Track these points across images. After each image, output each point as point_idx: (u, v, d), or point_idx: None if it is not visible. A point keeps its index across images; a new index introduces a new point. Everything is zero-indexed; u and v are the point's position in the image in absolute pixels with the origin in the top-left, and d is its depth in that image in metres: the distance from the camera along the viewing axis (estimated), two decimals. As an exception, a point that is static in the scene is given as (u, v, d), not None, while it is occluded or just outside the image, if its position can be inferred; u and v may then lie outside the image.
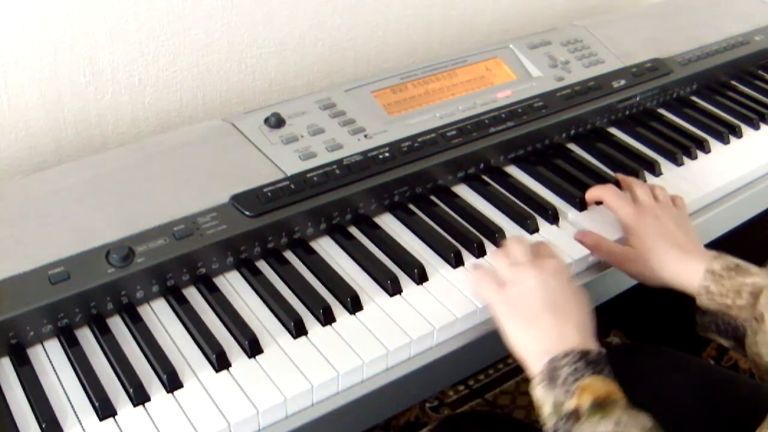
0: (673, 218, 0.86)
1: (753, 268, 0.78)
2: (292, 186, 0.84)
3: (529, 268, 0.74)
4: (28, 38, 0.90)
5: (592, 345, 0.69)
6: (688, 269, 0.79)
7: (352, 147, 0.90)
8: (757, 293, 0.75)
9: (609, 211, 0.89)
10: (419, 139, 0.93)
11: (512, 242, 0.80)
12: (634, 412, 0.63)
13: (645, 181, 1.00)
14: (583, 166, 1.01)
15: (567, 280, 0.75)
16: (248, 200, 0.81)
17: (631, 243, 0.85)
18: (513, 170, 1.00)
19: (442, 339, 0.77)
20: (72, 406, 0.66)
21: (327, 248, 0.85)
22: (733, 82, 1.26)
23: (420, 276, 0.81)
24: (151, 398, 0.67)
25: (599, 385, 0.65)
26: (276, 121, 0.91)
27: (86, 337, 0.73)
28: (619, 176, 0.97)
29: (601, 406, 0.63)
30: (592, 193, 0.92)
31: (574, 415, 0.63)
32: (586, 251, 0.86)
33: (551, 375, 0.66)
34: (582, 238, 0.87)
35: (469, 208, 0.92)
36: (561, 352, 0.67)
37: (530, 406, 1.54)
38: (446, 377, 0.82)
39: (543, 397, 0.66)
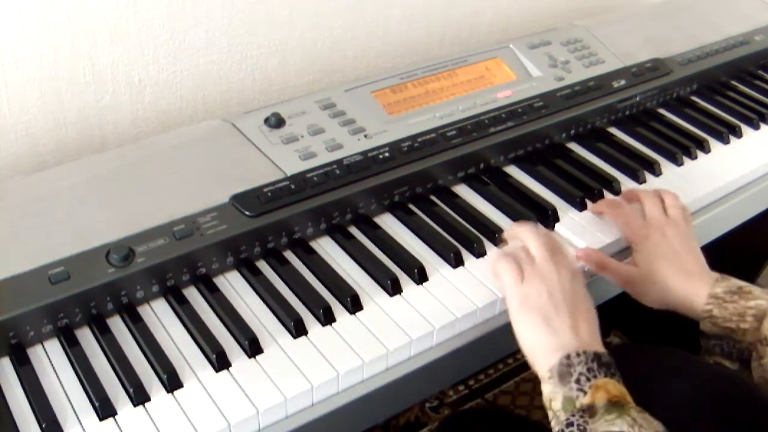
0: (680, 236, 0.83)
1: (756, 290, 0.77)
2: (292, 186, 0.84)
3: (548, 266, 0.74)
4: (28, 38, 0.90)
5: (603, 349, 0.69)
6: (692, 294, 0.78)
7: (352, 147, 0.90)
8: (761, 316, 0.74)
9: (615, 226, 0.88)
10: (419, 139, 0.93)
11: (528, 234, 0.78)
12: (648, 416, 0.63)
13: (644, 180, 1.00)
14: (583, 166, 1.01)
15: (581, 283, 0.75)
16: (248, 200, 0.81)
17: (636, 261, 0.83)
18: (513, 170, 1.00)
19: (442, 339, 0.77)
20: (72, 406, 0.66)
21: (327, 248, 0.85)
22: (733, 82, 1.26)
23: (420, 276, 0.81)
24: (151, 398, 0.67)
25: (612, 386, 0.65)
26: (276, 121, 0.91)
27: (86, 337, 0.73)
28: (627, 191, 0.94)
29: (615, 405, 0.63)
30: (596, 210, 0.91)
31: (589, 411, 0.63)
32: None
33: (563, 371, 0.66)
34: (585, 257, 0.84)
35: (469, 208, 0.92)
36: (575, 351, 0.67)
37: (530, 406, 1.56)
38: (446, 377, 0.82)
39: (553, 392, 0.66)
